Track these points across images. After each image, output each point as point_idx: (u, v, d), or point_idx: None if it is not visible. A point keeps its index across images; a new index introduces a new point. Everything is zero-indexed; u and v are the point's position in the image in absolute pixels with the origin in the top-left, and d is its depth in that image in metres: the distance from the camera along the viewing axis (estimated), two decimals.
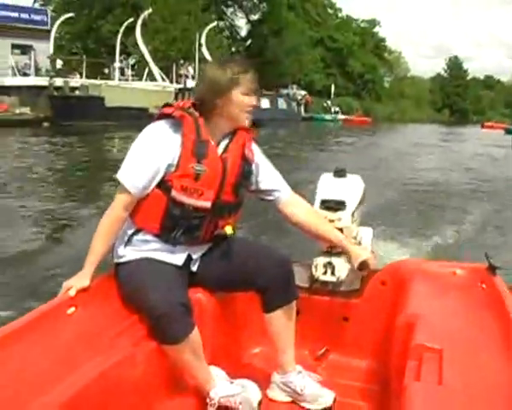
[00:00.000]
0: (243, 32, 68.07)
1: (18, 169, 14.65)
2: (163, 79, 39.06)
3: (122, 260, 2.34)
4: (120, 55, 40.77)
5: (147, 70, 39.57)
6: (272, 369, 2.53)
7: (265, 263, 2.38)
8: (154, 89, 33.84)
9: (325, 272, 2.73)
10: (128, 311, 2.21)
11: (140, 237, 2.32)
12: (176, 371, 2.26)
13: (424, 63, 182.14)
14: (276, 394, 2.50)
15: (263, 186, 2.49)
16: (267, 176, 2.49)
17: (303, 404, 2.45)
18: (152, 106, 29.49)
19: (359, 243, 2.78)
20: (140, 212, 2.29)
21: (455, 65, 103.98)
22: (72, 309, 2.10)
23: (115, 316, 2.18)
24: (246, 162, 2.39)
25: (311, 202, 2.71)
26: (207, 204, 2.28)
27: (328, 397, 2.43)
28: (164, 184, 2.24)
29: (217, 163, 2.29)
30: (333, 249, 2.73)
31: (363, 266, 2.55)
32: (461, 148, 29.79)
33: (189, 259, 2.40)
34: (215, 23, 51.99)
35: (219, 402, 2.28)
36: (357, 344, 2.77)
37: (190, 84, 38.34)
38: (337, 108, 59.45)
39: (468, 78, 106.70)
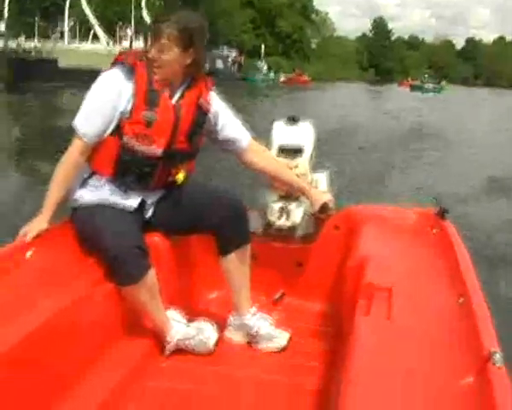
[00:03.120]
0: None
1: None
2: (108, 43, 43.19)
3: (77, 203, 2.42)
4: (56, 17, 44.23)
5: (92, 32, 43.69)
6: (228, 313, 2.62)
7: (218, 205, 2.50)
8: (102, 50, 37.92)
9: (280, 218, 2.86)
10: (86, 254, 2.29)
11: (94, 180, 2.41)
12: (133, 314, 2.34)
13: (350, 23, 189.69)
14: (232, 335, 2.61)
15: (223, 135, 2.59)
16: (227, 125, 2.58)
17: (258, 345, 2.57)
18: (103, 67, 33.75)
19: (316, 188, 2.86)
20: (94, 156, 2.38)
21: (380, 25, 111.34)
22: (30, 253, 2.16)
23: (73, 259, 2.26)
24: (200, 111, 2.46)
25: (268, 148, 2.79)
26: (158, 151, 2.36)
27: (282, 338, 2.56)
28: (117, 131, 2.33)
29: (168, 111, 2.36)
30: (290, 195, 2.86)
31: (325, 209, 2.66)
32: (378, 102, 37.13)
33: (142, 204, 2.49)
34: None
35: (176, 344, 2.41)
36: (312, 288, 2.90)
37: (127, 45, 42.26)
38: (265, 68, 63.66)
39: (393, 38, 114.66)
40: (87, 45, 42.16)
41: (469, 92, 70.53)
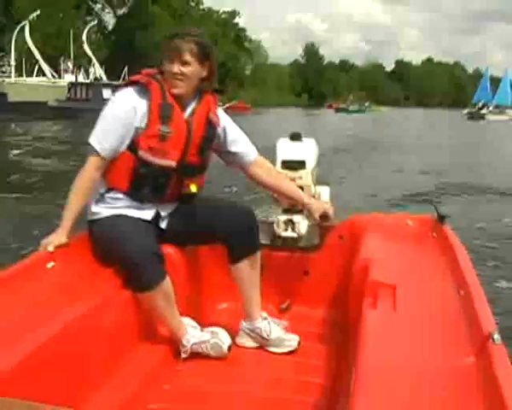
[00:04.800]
0: (110, 27, 76.50)
1: None
2: (53, 76, 46.23)
3: (95, 217, 2.59)
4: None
5: (37, 67, 46.59)
6: (239, 322, 2.76)
7: (230, 215, 2.67)
8: (48, 84, 40.95)
9: (286, 229, 3.08)
10: (104, 264, 2.44)
11: (111, 195, 2.57)
12: (150, 320, 2.50)
13: (284, 49, 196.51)
14: (244, 341, 2.76)
15: (232, 149, 2.77)
16: (236, 139, 2.78)
17: (270, 348, 2.71)
18: (50, 99, 37.12)
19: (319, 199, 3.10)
20: (110, 171, 2.55)
21: (311, 51, 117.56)
22: (52, 263, 2.30)
23: (92, 269, 2.41)
24: (210, 125, 2.64)
25: (273, 164, 2.99)
26: (172, 163, 2.53)
27: (292, 341, 2.71)
28: (132, 145, 2.50)
29: (182, 125, 2.54)
30: (293, 207, 3.07)
31: (325, 217, 2.84)
32: (312, 123, 42.72)
33: (157, 215, 2.67)
34: (95, 22, 60.38)
35: (192, 349, 2.55)
36: (318, 295, 3.07)
37: (70, 78, 45.59)
38: None
39: (325, 63, 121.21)
40: (34, 79, 44.97)
41: (396, 112, 76.93)
